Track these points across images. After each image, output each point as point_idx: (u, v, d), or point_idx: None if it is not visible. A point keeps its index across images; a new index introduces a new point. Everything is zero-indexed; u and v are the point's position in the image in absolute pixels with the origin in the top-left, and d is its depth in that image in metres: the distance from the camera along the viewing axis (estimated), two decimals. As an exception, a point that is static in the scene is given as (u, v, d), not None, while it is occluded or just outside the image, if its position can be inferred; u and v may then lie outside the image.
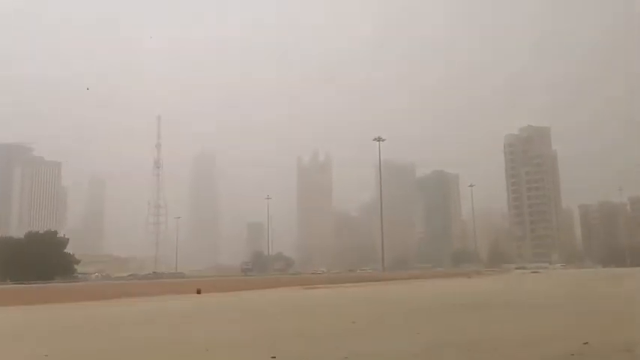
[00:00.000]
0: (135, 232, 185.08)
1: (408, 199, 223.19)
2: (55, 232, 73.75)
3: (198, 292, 23.77)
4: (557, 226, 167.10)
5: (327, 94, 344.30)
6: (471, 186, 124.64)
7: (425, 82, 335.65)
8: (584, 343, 8.28)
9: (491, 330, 10.29)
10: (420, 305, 16.20)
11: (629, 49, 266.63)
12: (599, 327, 10.69)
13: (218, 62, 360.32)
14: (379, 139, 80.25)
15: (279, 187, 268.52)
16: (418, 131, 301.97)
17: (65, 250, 73.87)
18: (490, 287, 28.34)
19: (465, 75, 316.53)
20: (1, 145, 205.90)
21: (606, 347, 8.33)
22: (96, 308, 19.11)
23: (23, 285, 54.28)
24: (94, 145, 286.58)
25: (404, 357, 7.94)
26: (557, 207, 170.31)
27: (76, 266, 75.87)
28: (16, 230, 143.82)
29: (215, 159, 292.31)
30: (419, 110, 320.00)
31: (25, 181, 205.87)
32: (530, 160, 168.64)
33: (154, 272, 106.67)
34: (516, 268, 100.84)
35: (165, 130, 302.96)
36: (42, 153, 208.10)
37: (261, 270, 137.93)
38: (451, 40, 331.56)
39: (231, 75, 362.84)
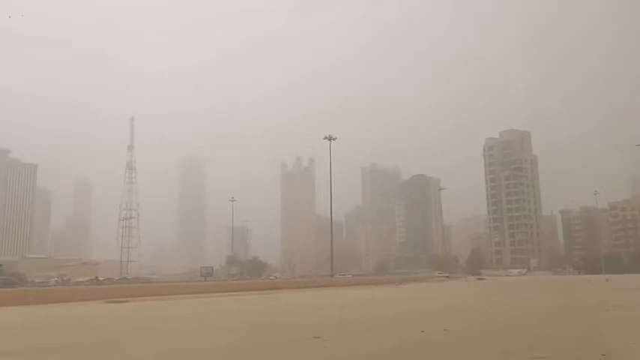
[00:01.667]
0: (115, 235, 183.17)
1: (392, 203, 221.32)
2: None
3: None
4: (538, 232, 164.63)
5: (313, 99, 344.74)
6: (440, 189, 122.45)
7: (417, 85, 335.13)
8: None
9: None
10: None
11: (606, 52, 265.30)
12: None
13: (205, 69, 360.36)
14: (330, 138, 77.18)
15: (266, 192, 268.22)
16: (407, 137, 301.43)
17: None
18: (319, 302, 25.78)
19: (456, 78, 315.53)
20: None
21: None
22: None
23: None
24: (77, 148, 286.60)
25: None
26: (538, 212, 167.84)
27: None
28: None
29: (201, 163, 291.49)
30: (408, 116, 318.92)
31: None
32: (509, 165, 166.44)
33: (96, 278, 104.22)
34: (471, 274, 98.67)
35: (153, 135, 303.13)
36: (18, 155, 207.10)
37: (234, 275, 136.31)
38: (442, 43, 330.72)
39: (220, 81, 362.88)
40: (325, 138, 77.98)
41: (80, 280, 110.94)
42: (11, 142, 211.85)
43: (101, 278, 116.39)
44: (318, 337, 10.04)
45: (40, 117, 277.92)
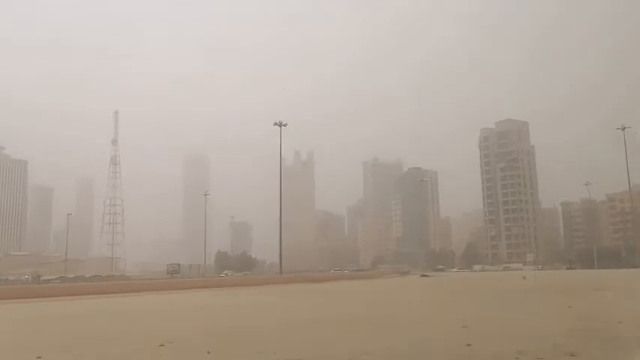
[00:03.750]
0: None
1: (391, 197, 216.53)
2: None
3: None
4: (535, 226, 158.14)
5: (318, 98, 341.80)
6: (423, 181, 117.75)
7: (416, 82, 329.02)
8: None
9: None
10: None
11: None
12: None
13: (209, 65, 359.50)
14: (280, 124, 73.28)
15: (266, 187, 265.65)
16: (410, 130, 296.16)
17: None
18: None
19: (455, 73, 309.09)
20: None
21: None
22: None
23: None
24: (79, 147, 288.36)
25: None
26: (535, 205, 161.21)
27: None
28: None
29: (204, 160, 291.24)
30: (411, 110, 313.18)
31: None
32: (505, 156, 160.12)
33: (38, 277, 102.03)
34: (435, 270, 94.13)
35: (156, 132, 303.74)
36: (10, 151, 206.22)
37: (221, 272, 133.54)
38: (442, 41, 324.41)
39: (221, 79, 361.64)
40: (275, 124, 74.38)
41: (50, 278, 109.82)
42: (5, 140, 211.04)
43: (70, 276, 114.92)
44: None
45: (38, 117, 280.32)
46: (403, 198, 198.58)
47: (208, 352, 9.89)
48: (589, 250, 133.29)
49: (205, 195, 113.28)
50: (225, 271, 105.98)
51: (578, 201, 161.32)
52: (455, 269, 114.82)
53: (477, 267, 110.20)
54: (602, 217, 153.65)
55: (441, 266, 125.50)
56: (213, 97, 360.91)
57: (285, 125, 74.58)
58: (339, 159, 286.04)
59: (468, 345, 9.90)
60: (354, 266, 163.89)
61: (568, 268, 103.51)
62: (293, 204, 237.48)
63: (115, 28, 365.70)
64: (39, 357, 9.71)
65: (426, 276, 61.90)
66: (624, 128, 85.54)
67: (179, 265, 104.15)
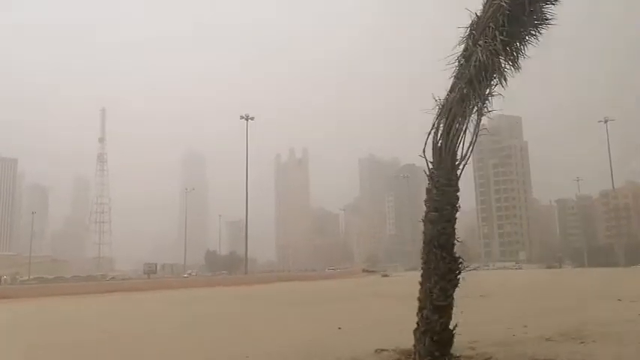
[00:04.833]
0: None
1: (387, 195, 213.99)
2: None
3: None
4: (528, 223, 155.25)
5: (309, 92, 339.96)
6: (404, 176, 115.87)
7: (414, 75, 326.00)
8: None
9: None
10: None
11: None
12: None
13: (202, 60, 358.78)
14: (247, 118, 71.54)
15: (262, 185, 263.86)
16: (407, 126, 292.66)
17: None
18: None
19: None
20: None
21: None
22: None
23: None
24: (79, 145, 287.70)
25: None
26: (528, 202, 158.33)
27: None
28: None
29: (201, 158, 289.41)
30: (411, 107, 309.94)
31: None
32: (498, 152, 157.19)
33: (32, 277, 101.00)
34: (406, 270, 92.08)
35: (153, 131, 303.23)
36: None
37: (213, 270, 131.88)
38: (441, 40, 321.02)
39: (217, 76, 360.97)
40: (242, 117, 72.73)
41: (25, 278, 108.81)
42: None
43: (51, 277, 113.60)
44: None
45: (37, 115, 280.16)
46: (397, 195, 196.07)
47: None
48: (586, 247, 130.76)
49: (186, 191, 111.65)
50: (189, 271, 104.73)
51: (574, 198, 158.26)
52: None
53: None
54: (598, 214, 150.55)
55: None
56: (212, 95, 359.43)
57: (252, 119, 72.99)
58: (335, 156, 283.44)
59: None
60: (350, 265, 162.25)
61: (548, 267, 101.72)
62: (288, 202, 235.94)
63: (112, 25, 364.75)
64: None
65: (387, 276, 60.14)
66: (607, 121, 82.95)
67: (156, 264, 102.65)
